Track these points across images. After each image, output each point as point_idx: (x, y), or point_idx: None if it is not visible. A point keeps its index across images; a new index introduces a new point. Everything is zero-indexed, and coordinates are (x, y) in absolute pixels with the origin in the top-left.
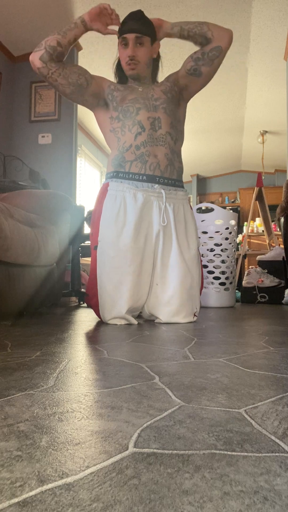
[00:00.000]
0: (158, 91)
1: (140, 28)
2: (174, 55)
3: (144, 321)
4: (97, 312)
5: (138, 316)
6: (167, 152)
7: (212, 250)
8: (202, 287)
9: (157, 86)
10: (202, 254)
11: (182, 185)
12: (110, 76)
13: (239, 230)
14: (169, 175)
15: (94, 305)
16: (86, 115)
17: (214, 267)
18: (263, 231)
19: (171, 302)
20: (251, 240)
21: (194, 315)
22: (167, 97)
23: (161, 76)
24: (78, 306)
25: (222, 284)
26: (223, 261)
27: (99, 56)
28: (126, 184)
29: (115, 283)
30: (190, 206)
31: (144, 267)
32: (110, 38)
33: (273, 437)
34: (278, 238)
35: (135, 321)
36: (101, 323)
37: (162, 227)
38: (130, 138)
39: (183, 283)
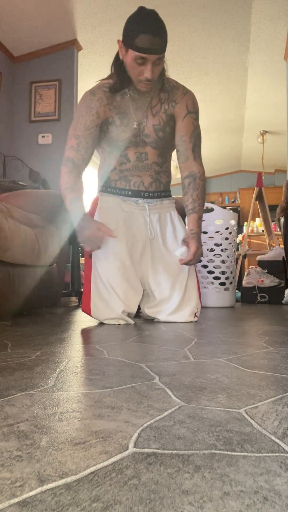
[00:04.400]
0: (150, 126)
1: (163, 48)
2: (174, 55)
3: (143, 321)
4: (91, 315)
5: (138, 316)
6: (152, 174)
7: (212, 250)
8: (199, 288)
9: (153, 111)
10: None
11: (169, 194)
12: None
13: (239, 230)
14: (154, 189)
15: (88, 310)
16: None
17: (214, 267)
18: (263, 231)
19: (168, 302)
20: (251, 240)
21: (195, 315)
22: (157, 136)
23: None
24: (78, 306)
25: (222, 284)
26: (223, 261)
27: (99, 55)
28: (113, 197)
29: (108, 285)
30: (178, 212)
31: (132, 273)
32: (110, 39)
33: (273, 437)
34: (278, 238)
35: (131, 321)
36: (101, 323)
37: (149, 239)
38: (115, 162)
39: (178, 282)
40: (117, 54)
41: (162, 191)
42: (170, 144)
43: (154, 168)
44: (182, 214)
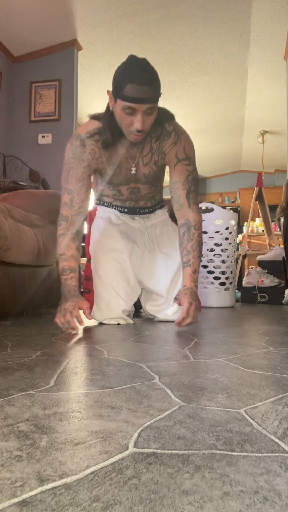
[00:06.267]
0: (141, 174)
1: (153, 98)
2: (174, 55)
3: (143, 320)
4: (91, 315)
5: (139, 316)
6: (146, 200)
7: (212, 250)
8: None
9: (144, 161)
10: (202, 254)
11: (162, 205)
12: (109, 76)
13: (239, 230)
14: (150, 205)
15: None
16: (86, 115)
17: (214, 267)
18: (263, 231)
19: (167, 301)
20: (251, 240)
21: None
22: (147, 180)
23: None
24: None
25: (222, 284)
26: (223, 261)
27: (99, 55)
28: (111, 209)
29: (108, 286)
30: (169, 212)
31: (131, 275)
32: (110, 39)
33: (273, 437)
34: (278, 238)
35: (131, 321)
36: (101, 323)
37: (146, 247)
38: (108, 193)
39: (175, 282)
40: (108, 105)
41: (156, 205)
42: (158, 176)
43: (147, 196)
44: (173, 215)
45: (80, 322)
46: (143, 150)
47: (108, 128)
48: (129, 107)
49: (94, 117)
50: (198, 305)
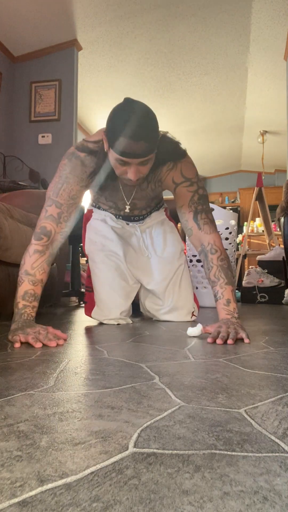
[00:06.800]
0: (139, 195)
1: (147, 151)
2: (174, 55)
3: (143, 321)
4: (91, 315)
5: (139, 315)
6: (142, 209)
7: None
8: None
9: (142, 187)
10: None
11: (159, 207)
12: (109, 76)
13: (239, 230)
14: (145, 213)
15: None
16: (86, 115)
17: None
18: (263, 231)
19: (165, 302)
20: (251, 240)
21: (192, 314)
22: (143, 198)
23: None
24: (78, 306)
25: None
26: None
27: (99, 55)
28: (107, 213)
29: (106, 287)
30: (168, 216)
31: (129, 274)
32: (110, 39)
33: (273, 437)
34: (278, 238)
35: (130, 321)
36: (100, 323)
37: (142, 247)
38: (104, 202)
39: (172, 283)
40: (103, 142)
41: (152, 210)
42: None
43: (144, 206)
44: (174, 216)
45: (59, 340)
46: (141, 185)
47: (102, 167)
48: (121, 160)
49: (90, 152)
50: (238, 329)
